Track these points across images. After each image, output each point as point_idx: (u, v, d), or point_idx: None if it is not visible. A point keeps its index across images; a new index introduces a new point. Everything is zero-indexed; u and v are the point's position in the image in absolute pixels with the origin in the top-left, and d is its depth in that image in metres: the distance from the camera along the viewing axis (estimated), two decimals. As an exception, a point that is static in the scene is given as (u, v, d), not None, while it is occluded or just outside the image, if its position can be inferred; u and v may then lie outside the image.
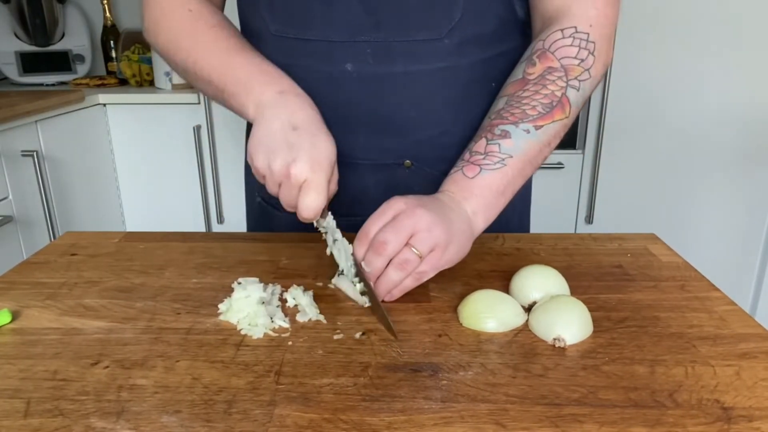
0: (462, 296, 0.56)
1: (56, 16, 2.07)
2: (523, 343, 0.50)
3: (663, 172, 1.82)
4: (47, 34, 2.06)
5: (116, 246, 0.72)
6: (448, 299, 0.58)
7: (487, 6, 0.69)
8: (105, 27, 2.16)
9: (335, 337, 0.51)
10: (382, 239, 0.55)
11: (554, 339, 0.50)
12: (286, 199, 0.60)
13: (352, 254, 0.58)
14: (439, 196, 0.60)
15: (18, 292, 0.60)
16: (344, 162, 0.72)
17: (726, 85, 1.73)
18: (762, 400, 0.42)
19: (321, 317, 0.54)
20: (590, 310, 0.53)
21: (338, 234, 0.60)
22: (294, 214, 0.60)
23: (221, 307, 0.55)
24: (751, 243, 1.88)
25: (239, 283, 0.57)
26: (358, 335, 0.52)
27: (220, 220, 2.01)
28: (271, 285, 0.59)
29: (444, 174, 0.63)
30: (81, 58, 2.13)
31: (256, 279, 0.58)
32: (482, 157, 0.61)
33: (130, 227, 2.05)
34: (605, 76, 1.69)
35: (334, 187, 0.62)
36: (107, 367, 0.47)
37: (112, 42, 2.15)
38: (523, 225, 0.87)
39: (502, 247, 0.71)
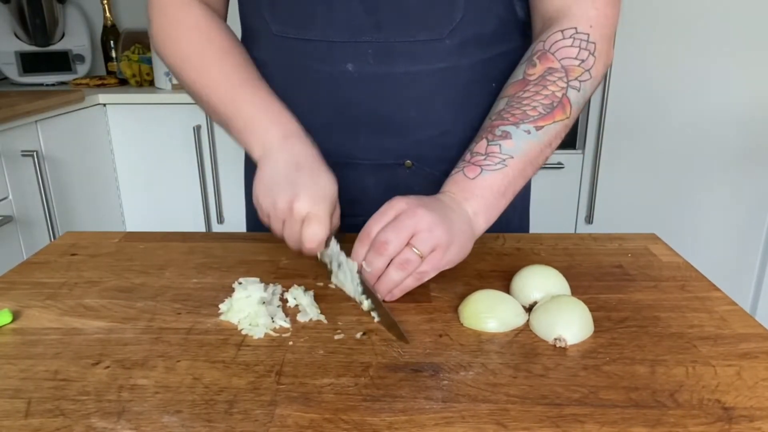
0: (463, 296, 0.56)
1: (56, 16, 2.07)
2: (523, 343, 0.50)
3: (663, 172, 1.82)
4: (47, 34, 2.06)
5: (116, 246, 0.72)
6: (449, 299, 0.58)
7: (488, 6, 0.69)
8: (105, 27, 2.16)
9: (336, 337, 0.51)
10: (383, 239, 0.55)
11: (555, 339, 0.50)
12: (290, 235, 0.61)
13: (358, 273, 0.57)
14: (440, 196, 0.60)
15: (18, 292, 0.60)
16: (345, 162, 0.73)
17: (726, 84, 1.73)
18: (763, 400, 0.42)
19: (322, 317, 0.54)
20: (591, 310, 0.53)
21: (342, 257, 0.59)
22: None
23: (222, 307, 0.55)
24: (751, 243, 1.88)
25: (240, 283, 0.57)
26: (358, 335, 0.52)
27: (220, 220, 2.01)
28: (271, 285, 0.59)
29: (445, 174, 0.63)
30: (81, 58, 2.13)
31: (257, 279, 0.58)
32: (483, 157, 0.61)
33: (130, 227, 2.05)
34: (605, 76, 1.69)
35: (336, 221, 0.63)
36: (108, 367, 0.47)
37: (112, 42, 2.15)
38: (523, 225, 0.87)
39: (503, 247, 0.71)
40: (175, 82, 1.91)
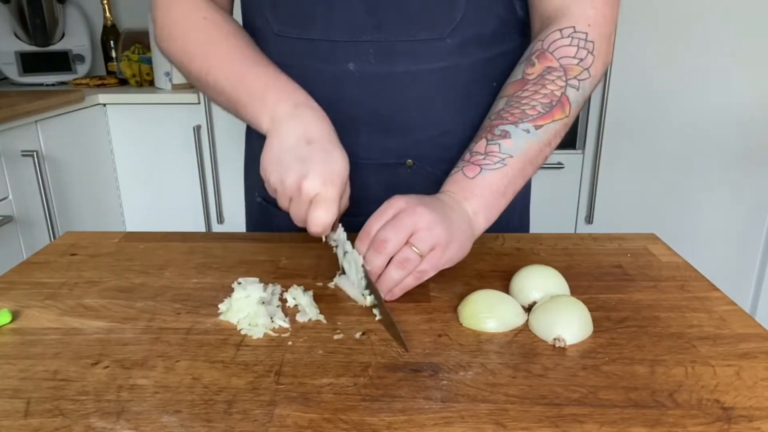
0: (462, 296, 0.56)
1: (56, 16, 2.07)
2: (523, 343, 0.50)
3: (663, 172, 1.82)
4: (47, 34, 2.06)
5: (116, 246, 0.72)
6: (448, 299, 0.58)
7: (488, 6, 0.69)
8: (105, 27, 2.16)
9: (335, 337, 0.51)
10: (383, 237, 0.55)
11: (554, 339, 0.50)
12: (296, 214, 0.59)
13: (363, 266, 0.56)
14: (439, 196, 0.60)
15: (18, 292, 0.60)
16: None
17: (726, 84, 1.73)
18: (762, 400, 0.42)
19: (321, 317, 0.54)
20: (590, 310, 0.53)
21: (348, 246, 0.59)
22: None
23: (221, 307, 0.55)
24: (751, 243, 1.88)
25: (239, 283, 0.57)
26: (358, 335, 0.52)
27: (220, 220, 2.01)
28: (271, 285, 0.59)
29: (445, 173, 0.63)
30: (81, 58, 2.13)
31: (256, 279, 0.58)
32: (482, 157, 0.61)
33: (130, 227, 2.05)
34: (605, 76, 1.69)
35: (345, 202, 0.61)
36: (107, 367, 0.47)
37: (112, 42, 2.15)
38: (523, 225, 0.87)
39: (502, 247, 0.71)
40: (175, 82, 1.91)
